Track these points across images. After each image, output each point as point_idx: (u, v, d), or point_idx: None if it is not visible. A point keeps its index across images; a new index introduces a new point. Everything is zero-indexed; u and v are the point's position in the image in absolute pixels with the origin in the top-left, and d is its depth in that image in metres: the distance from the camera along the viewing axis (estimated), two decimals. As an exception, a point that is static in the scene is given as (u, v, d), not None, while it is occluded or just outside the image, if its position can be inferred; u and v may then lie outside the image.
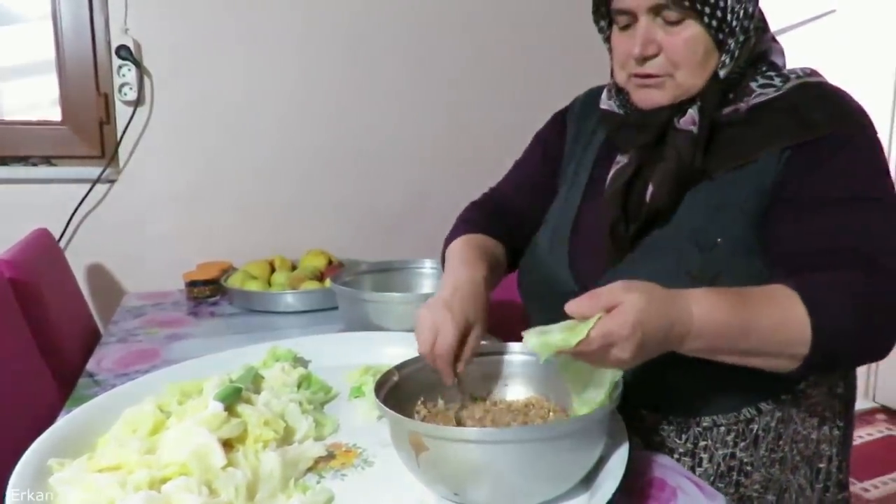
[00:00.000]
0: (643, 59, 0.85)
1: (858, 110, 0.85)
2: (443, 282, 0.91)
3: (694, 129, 0.85)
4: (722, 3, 0.81)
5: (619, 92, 0.94)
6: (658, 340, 0.69)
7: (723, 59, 0.84)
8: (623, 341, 0.65)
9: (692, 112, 0.86)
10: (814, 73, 0.90)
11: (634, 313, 0.65)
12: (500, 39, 2.11)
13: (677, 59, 0.84)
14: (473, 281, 0.89)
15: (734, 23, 0.82)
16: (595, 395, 0.72)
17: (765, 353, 0.75)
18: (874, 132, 0.85)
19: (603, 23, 0.94)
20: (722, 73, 0.85)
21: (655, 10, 0.83)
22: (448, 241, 1.07)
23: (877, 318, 0.76)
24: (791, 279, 0.76)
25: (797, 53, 0.89)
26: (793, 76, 0.88)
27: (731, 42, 0.83)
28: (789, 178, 0.83)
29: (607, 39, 0.94)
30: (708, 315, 0.71)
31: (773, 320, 0.73)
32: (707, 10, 0.81)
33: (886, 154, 0.86)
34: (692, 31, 0.83)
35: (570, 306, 0.68)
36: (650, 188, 0.88)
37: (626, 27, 0.87)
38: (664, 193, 0.86)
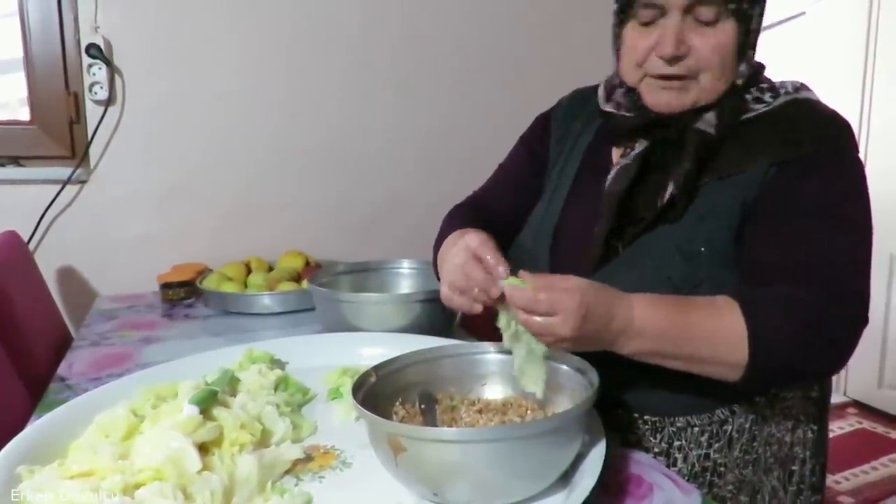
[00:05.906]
0: (673, 60, 0.81)
1: (845, 130, 0.85)
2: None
3: (712, 131, 0.84)
4: (750, 11, 0.81)
5: (630, 92, 0.89)
6: (599, 326, 0.71)
7: (741, 67, 0.84)
8: (567, 313, 0.69)
9: (709, 117, 0.85)
10: (803, 87, 0.89)
11: (582, 289, 0.70)
12: (481, 45, 2.11)
13: (706, 62, 0.81)
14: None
15: (752, 33, 0.83)
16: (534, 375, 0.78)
17: (704, 361, 0.76)
18: (857, 153, 0.85)
19: (622, 15, 0.87)
20: (739, 82, 0.85)
21: (689, 7, 0.79)
22: (438, 244, 1.02)
23: (824, 333, 0.76)
24: (737, 290, 0.78)
25: (769, 55, 0.90)
26: (783, 91, 0.87)
27: (750, 52, 0.83)
28: (769, 193, 0.83)
29: (617, 36, 0.89)
30: (647, 316, 0.74)
31: (710, 328, 0.75)
32: (743, 10, 0.80)
33: (861, 155, 0.87)
34: (726, 35, 0.81)
35: (523, 273, 0.72)
36: (669, 189, 0.85)
37: (647, 23, 0.83)
38: (683, 195, 0.84)
